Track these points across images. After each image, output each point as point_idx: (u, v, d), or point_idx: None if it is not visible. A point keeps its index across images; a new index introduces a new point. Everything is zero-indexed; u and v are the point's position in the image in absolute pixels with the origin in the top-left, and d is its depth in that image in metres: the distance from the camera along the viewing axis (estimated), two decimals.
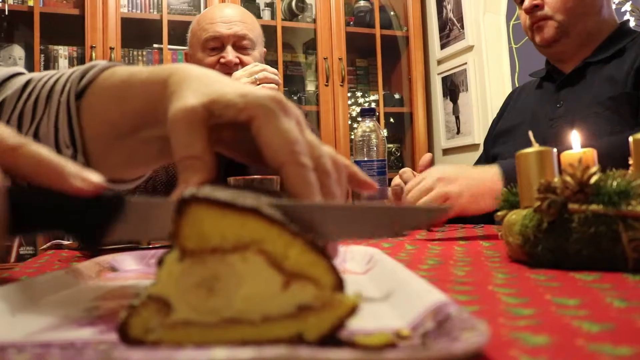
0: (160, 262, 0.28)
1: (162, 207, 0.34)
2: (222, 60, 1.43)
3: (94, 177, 0.33)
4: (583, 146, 0.63)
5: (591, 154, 0.63)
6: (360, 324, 0.29)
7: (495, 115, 1.55)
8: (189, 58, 1.54)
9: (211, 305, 0.27)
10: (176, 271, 0.28)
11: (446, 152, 3.14)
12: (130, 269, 0.56)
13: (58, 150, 0.48)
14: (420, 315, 0.29)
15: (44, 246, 0.88)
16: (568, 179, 0.51)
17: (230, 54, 1.43)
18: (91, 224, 0.33)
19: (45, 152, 0.33)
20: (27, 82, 0.52)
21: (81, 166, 0.34)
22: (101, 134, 0.46)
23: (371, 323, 0.29)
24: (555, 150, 0.60)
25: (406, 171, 1.20)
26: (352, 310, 0.27)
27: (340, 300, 0.27)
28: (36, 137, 0.49)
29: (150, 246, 0.86)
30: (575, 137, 0.66)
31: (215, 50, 1.45)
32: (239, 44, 1.46)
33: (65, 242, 0.93)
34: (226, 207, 0.27)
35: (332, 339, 0.27)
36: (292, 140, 0.34)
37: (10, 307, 0.35)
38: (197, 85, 0.37)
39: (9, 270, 0.60)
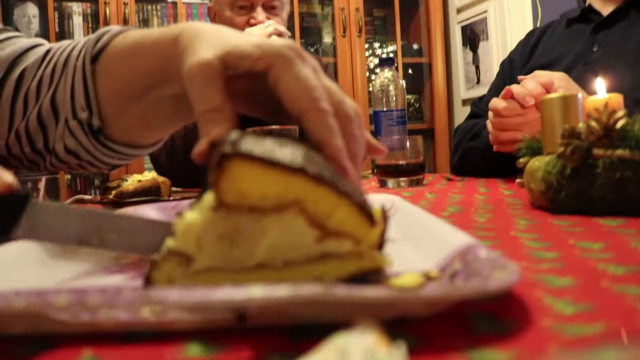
0: (179, 215, 0.28)
1: (70, 213, 0.35)
2: (252, 21, 1.42)
3: (7, 177, 0.34)
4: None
5: (617, 98, 0.62)
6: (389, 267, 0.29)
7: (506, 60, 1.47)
8: (214, 14, 1.51)
9: (233, 256, 0.28)
10: (197, 224, 0.27)
11: (465, 102, 3.09)
12: None
13: (74, 113, 0.49)
14: (448, 257, 0.30)
15: (67, 201, 0.90)
16: (593, 123, 0.50)
17: (260, 15, 1.41)
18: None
19: None
20: (47, 52, 0.54)
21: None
22: (115, 96, 0.47)
23: (399, 266, 0.29)
24: (580, 95, 0.59)
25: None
26: (378, 269, 0.28)
27: (373, 256, 0.27)
28: (53, 101, 0.51)
29: (171, 198, 0.87)
30: (600, 83, 0.64)
31: (244, 9, 1.43)
32: (269, 4, 1.44)
33: (87, 197, 0.95)
34: (270, 165, 0.26)
35: (363, 280, 0.27)
36: (312, 87, 0.34)
37: (40, 257, 0.36)
38: (210, 39, 0.37)
39: None
